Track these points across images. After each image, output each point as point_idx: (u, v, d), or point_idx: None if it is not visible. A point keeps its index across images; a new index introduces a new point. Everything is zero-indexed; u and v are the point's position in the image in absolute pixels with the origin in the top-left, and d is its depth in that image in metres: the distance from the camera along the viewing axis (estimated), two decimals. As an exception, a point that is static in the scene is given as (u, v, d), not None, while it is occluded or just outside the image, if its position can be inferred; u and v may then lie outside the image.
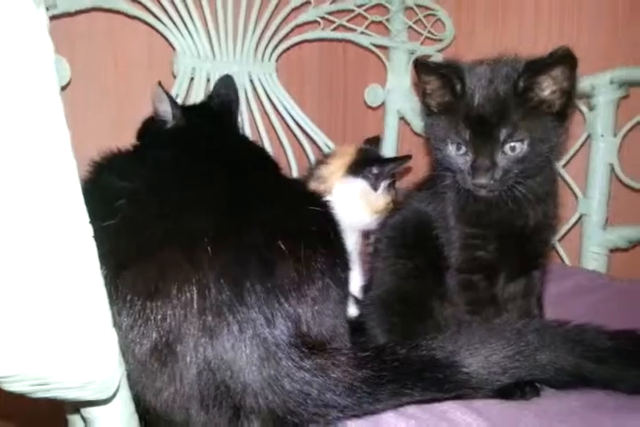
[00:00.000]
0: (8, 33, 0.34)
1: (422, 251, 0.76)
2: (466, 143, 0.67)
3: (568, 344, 0.61)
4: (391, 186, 0.91)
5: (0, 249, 0.34)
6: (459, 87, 0.67)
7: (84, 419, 0.52)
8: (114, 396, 0.45)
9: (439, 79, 0.69)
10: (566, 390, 0.63)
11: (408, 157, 0.91)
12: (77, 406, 0.49)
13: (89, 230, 0.39)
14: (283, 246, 0.57)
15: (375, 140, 1.05)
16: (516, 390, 0.63)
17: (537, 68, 0.64)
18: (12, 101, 0.34)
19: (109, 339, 0.40)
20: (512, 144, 0.65)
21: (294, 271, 0.58)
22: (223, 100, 0.89)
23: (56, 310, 0.36)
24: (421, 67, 0.71)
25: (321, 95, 1.46)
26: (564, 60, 0.64)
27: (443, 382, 0.58)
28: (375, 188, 0.89)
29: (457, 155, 0.68)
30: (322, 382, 0.55)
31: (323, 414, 0.55)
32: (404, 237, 0.80)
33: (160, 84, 0.79)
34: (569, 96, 0.66)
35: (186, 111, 0.82)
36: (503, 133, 0.64)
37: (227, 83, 0.93)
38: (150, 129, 0.83)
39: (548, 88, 0.65)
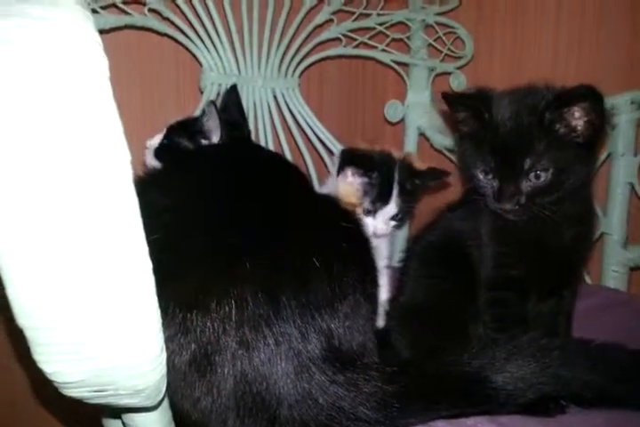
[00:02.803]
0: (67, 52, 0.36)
1: (456, 269, 0.77)
2: (491, 170, 0.69)
3: (592, 362, 0.62)
4: (367, 192, 0.89)
5: (67, 267, 0.36)
6: (486, 116, 0.69)
7: (124, 425, 0.54)
8: (159, 404, 0.47)
9: (468, 109, 0.72)
10: (591, 408, 0.64)
11: (383, 173, 0.89)
12: (122, 412, 0.50)
13: (146, 244, 0.41)
14: (317, 262, 0.59)
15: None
16: (541, 406, 0.64)
17: (562, 101, 0.66)
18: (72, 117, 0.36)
19: (160, 350, 0.42)
20: (536, 173, 0.67)
21: (327, 287, 0.59)
22: (237, 113, 0.91)
23: (116, 323, 0.38)
24: (450, 99, 0.74)
25: (340, 111, 1.49)
26: (588, 95, 0.65)
27: (471, 397, 0.59)
28: (337, 172, 0.90)
29: (484, 179, 0.70)
30: (354, 397, 0.56)
31: (355, 428, 0.56)
32: (437, 256, 0.81)
33: (214, 102, 0.81)
34: (596, 128, 0.68)
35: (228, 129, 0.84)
36: (527, 163, 0.66)
37: (233, 95, 0.95)
38: (177, 140, 0.85)
39: (573, 121, 0.67)
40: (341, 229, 0.66)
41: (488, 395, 0.59)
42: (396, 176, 0.90)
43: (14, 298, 0.35)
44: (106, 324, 0.38)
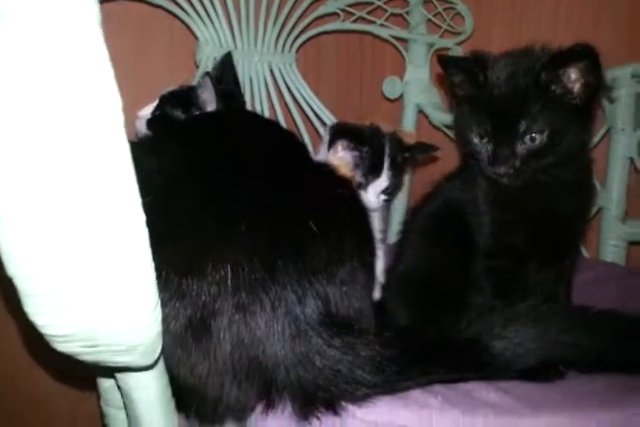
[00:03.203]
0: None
1: (455, 239, 0.77)
2: (487, 133, 0.68)
3: (591, 328, 0.62)
4: (358, 165, 0.89)
5: (59, 216, 0.35)
6: (481, 79, 0.68)
7: (120, 389, 0.53)
8: (156, 363, 0.47)
9: (463, 72, 0.71)
10: (590, 373, 0.64)
11: (374, 147, 0.89)
12: (117, 371, 0.50)
13: (138, 201, 0.40)
14: (314, 228, 0.58)
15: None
16: (540, 372, 0.64)
17: (558, 62, 0.65)
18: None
19: (155, 304, 0.41)
20: (532, 135, 0.66)
21: (324, 252, 0.59)
22: (230, 82, 0.90)
23: (107, 275, 0.38)
24: (445, 62, 0.73)
25: (338, 87, 1.47)
26: (585, 54, 0.64)
27: (468, 363, 0.59)
28: (328, 147, 0.90)
29: (480, 143, 0.69)
30: (351, 360, 0.56)
31: (352, 390, 0.56)
32: (437, 227, 0.81)
33: (209, 73, 0.80)
34: (593, 90, 0.67)
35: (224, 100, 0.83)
36: (523, 125, 0.66)
37: (228, 63, 0.93)
38: (169, 110, 0.83)
39: (569, 82, 0.66)
40: (339, 196, 0.66)
41: (486, 360, 0.59)
42: (387, 150, 0.90)
43: (4, 246, 0.34)
44: (98, 275, 0.37)
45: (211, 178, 0.59)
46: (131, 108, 1.07)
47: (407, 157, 0.94)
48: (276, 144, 0.68)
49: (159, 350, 0.46)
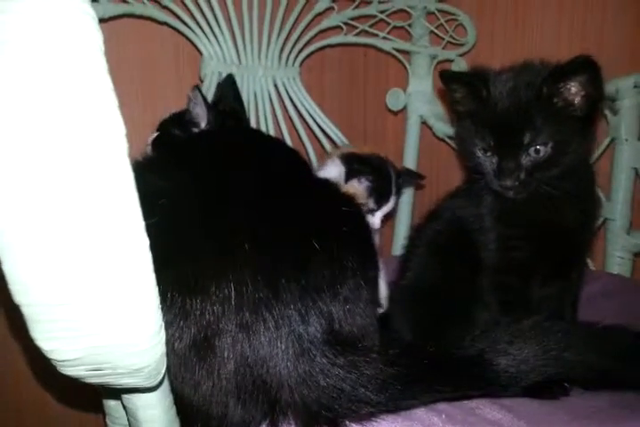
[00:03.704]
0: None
1: (462, 255, 0.77)
2: (490, 147, 0.68)
3: (596, 344, 0.62)
4: (371, 194, 0.95)
5: (64, 243, 0.36)
6: (484, 94, 0.69)
7: (125, 408, 0.54)
8: (159, 384, 0.47)
9: (465, 87, 0.71)
10: (595, 390, 0.64)
11: (384, 176, 0.96)
12: (122, 393, 0.50)
13: (143, 223, 0.41)
14: (316, 245, 0.59)
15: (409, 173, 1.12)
16: (545, 389, 0.64)
17: (559, 75, 0.66)
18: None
19: (159, 328, 0.42)
20: (536, 147, 0.66)
21: (327, 270, 0.59)
22: (230, 100, 0.91)
23: (112, 300, 0.38)
24: (447, 77, 0.73)
25: (341, 99, 1.48)
26: (585, 67, 0.65)
27: (472, 380, 0.59)
28: (345, 180, 0.94)
29: (484, 157, 0.70)
30: (355, 379, 0.56)
31: (356, 409, 0.56)
32: (441, 244, 0.81)
33: (198, 87, 0.81)
34: (594, 101, 0.68)
35: (216, 114, 0.84)
36: (527, 137, 0.66)
37: (229, 84, 0.95)
38: (172, 131, 0.85)
39: (571, 94, 0.67)
40: (341, 213, 0.66)
41: (491, 378, 0.59)
42: (393, 177, 0.96)
43: (11, 274, 0.35)
44: (103, 300, 0.38)
45: (213, 198, 0.60)
46: (139, 125, 1.08)
47: (401, 182, 1.01)
48: (279, 162, 0.68)
49: (163, 372, 0.46)
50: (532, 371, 0.60)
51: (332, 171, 0.97)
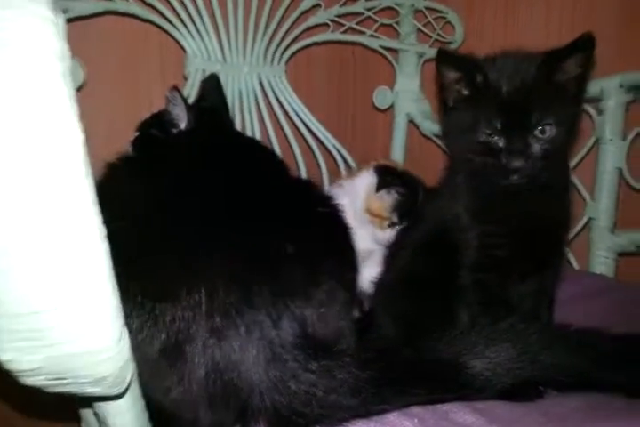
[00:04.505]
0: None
1: (443, 257, 0.77)
2: (497, 131, 0.68)
3: (571, 347, 0.62)
4: (397, 208, 0.97)
5: (19, 251, 0.35)
6: (479, 80, 0.68)
7: (96, 415, 0.54)
8: (125, 392, 0.47)
9: (458, 72, 0.71)
10: (569, 392, 0.64)
11: (413, 193, 0.97)
12: (91, 401, 0.50)
13: (102, 231, 0.40)
14: (289, 249, 0.58)
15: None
16: (520, 391, 0.63)
17: (563, 53, 0.68)
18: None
19: (119, 337, 0.41)
20: (542, 127, 0.67)
21: (300, 274, 0.59)
22: (214, 100, 0.90)
23: (70, 309, 0.38)
24: (444, 57, 0.72)
25: (330, 97, 1.47)
26: (588, 45, 0.67)
27: (447, 383, 0.59)
28: (376, 189, 0.97)
29: (489, 144, 0.69)
30: (327, 384, 0.56)
31: (327, 414, 0.56)
32: (425, 245, 0.81)
33: (176, 87, 0.80)
34: (583, 80, 0.70)
35: (197, 115, 0.83)
36: (535, 117, 0.67)
37: (213, 83, 0.94)
38: (152, 132, 0.84)
39: (568, 73, 0.69)
40: (317, 214, 0.66)
41: (465, 381, 0.59)
42: (421, 195, 0.96)
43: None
44: (61, 310, 0.37)
45: (185, 201, 0.59)
46: (122, 123, 1.07)
47: None
48: (254, 164, 0.68)
49: (129, 379, 0.46)
50: (507, 374, 0.60)
51: (365, 180, 1.00)
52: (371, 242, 0.97)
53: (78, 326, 0.39)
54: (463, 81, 0.71)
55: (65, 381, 0.41)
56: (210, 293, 0.54)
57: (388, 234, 0.97)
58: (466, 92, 0.71)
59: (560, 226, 0.75)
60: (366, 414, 0.57)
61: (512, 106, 0.68)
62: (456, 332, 0.63)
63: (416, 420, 0.56)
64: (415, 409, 0.58)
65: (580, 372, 0.61)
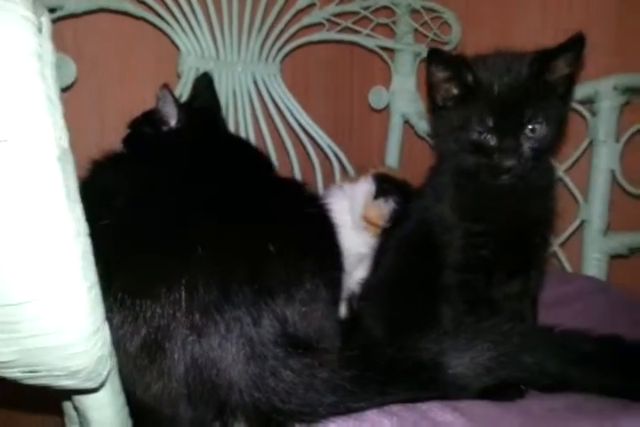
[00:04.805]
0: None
1: (428, 258, 0.77)
2: (489, 130, 0.69)
3: (552, 348, 0.62)
4: (392, 213, 0.97)
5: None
6: (470, 79, 0.69)
7: (76, 409, 0.54)
8: (102, 385, 0.47)
9: (449, 71, 0.71)
10: (550, 392, 0.64)
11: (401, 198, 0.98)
12: (69, 393, 0.50)
13: (81, 228, 0.40)
14: (272, 248, 0.59)
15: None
16: (500, 391, 0.63)
17: (553, 52, 0.68)
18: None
19: (93, 331, 0.42)
20: (533, 126, 0.68)
21: (283, 273, 0.59)
22: (206, 99, 0.90)
23: (43, 302, 0.38)
24: (435, 56, 0.72)
25: (327, 97, 1.47)
26: (578, 44, 0.68)
27: (427, 383, 0.59)
28: (374, 197, 0.98)
29: (481, 143, 0.69)
30: (307, 382, 0.56)
31: (307, 412, 0.56)
32: (410, 246, 0.81)
33: (166, 85, 0.80)
34: (572, 80, 0.71)
35: (187, 113, 0.83)
36: (527, 115, 0.68)
37: (205, 82, 0.94)
38: (143, 130, 0.84)
39: (558, 72, 0.69)
40: (303, 214, 0.66)
41: (445, 380, 0.59)
42: None
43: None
44: (35, 304, 0.38)
45: (169, 199, 0.60)
46: (115, 121, 1.07)
47: None
48: (242, 163, 0.68)
49: (105, 373, 0.46)
50: (488, 374, 0.60)
51: (364, 187, 1.01)
52: (365, 247, 0.97)
53: (52, 320, 0.39)
54: (453, 80, 0.71)
55: (39, 373, 0.41)
56: (190, 290, 0.54)
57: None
58: (455, 92, 0.72)
59: (544, 225, 0.75)
60: (345, 412, 0.57)
61: (504, 104, 0.68)
62: (439, 332, 0.64)
63: (395, 418, 0.56)
64: (395, 407, 0.58)
65: (561, 373, 0.61)
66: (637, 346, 0.62)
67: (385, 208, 0.97)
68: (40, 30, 0.42)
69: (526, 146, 0.68)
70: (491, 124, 0.68)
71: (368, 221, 0.98)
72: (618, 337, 0.63)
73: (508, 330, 0.63)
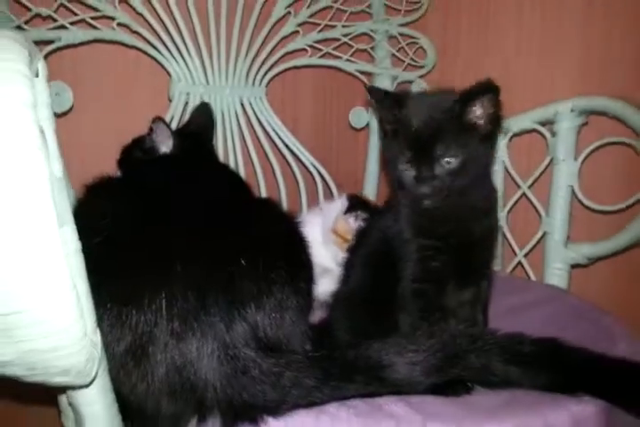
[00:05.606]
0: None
1: (389, 271, 0.85)
2: (409, 161, 0.77)
3: (496, 349, 0.69)
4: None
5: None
6: (397, 113, 0.78)
7: (71, 405, 0.61)
8: (92, 383, 0.55)
9: (384, 107, 0.80)
10: (495, 389, 0.71)
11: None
12: (64, 389, 0.58)
13: (76, 246, 0.48)
14: (243, 262, 0.67)
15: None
16: (449, 387, 0.71)
17: (469, 95, 0.75)
18: None
19: (83, 335, 0.49)
20: (447, 159, 0.75)
21: (253, 284, 0.67)
22: (200, 126, 0.99)
23: (38, 311, 0.46)
24: (372, 93, 0.81)
25: (315, 118, 1.56)
26: (489, 89, 0.74)
27: (381, 380, 0.67)
28: (345, 212, 1.09)
29: (406, 168, 0.78)
30: (274, 379, 0.64)
31: (274, 406, 0.64)
32: (373, 259, 0.90)
33: (160, 118, 0.88)
34: (496, 121, 0.77)
35: (180, 139, 0.92)
36: (439, 149, 0.75)
37: (204, 110, 1.03)
38: (134, 155, 0.93)
39: (476, 114, 0.76)
40: (274, 230, 0.74)
41: (397, 379, 0.66)
42: None
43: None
44: (30, 313, 0.45)
45: (154, 219, 0.68)
46: (113, 143, 1.13)
47: None
48: (221, 187, 0.77)
49: (94, 372, 0.53)
50: (439, 372, 0.67)
51: (337, 204, 1.13)
52: (331, 261, 1.07)
53: (43, 327, 0.47)
54: (388, 115, 0.80)
55: (37, 371, 0.49)
56: (170, 300, 0.62)
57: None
58: (393, 125, 0.80)
59: (488, 242, 0.84)
60: (309, 406, 0.65)
61: (420, 140, 0.76)
62: (395, 337, 0.71)
63: (352, 410, 0.64)
64: (354, 402, 0.66)
65: (503, 371, 0.69)
66: (570, 347, 0.69)
67: (354, 224, 1.06)
68: (37, 75, 0.51)
69: (442, 175, 0.75)
70: (410, 155, 0.76)
71: (337, 233, 1.07)
72: (553, 339, 0.70)
73: (457, 333, 0.70)
